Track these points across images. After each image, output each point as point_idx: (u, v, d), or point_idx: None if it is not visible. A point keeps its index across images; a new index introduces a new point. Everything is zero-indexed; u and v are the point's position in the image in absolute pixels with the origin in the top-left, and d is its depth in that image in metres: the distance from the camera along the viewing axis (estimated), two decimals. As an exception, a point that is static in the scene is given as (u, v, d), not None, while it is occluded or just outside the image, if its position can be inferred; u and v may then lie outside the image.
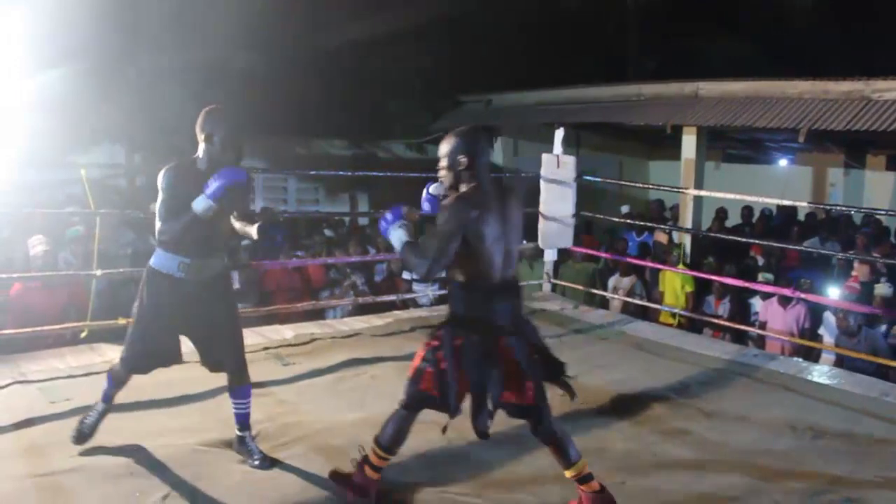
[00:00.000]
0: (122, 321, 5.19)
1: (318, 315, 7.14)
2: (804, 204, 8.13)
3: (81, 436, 3.61)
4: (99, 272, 5.17)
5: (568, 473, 3.15)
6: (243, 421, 3.63)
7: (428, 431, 3.96)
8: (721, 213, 10.15)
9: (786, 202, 6.75)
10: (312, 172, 12.35)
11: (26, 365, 4.79)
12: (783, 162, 13.35)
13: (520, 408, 3.07)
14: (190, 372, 3.89)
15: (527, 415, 3.10)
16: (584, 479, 3.13)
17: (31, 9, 7.81)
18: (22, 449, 3.64)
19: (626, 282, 8.17)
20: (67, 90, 9.24)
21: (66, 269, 6.54)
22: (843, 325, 6.23)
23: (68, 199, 9.56)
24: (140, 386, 4.41)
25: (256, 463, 3.52)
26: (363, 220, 11.22)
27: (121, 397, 4.06)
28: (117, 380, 3.61)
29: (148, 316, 3.44)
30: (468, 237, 2.91)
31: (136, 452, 3.60)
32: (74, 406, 4.13)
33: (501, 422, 4.09)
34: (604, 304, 8.14)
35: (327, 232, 9.75)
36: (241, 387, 3.60)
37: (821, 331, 6.69)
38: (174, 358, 3.56)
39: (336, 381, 4.78)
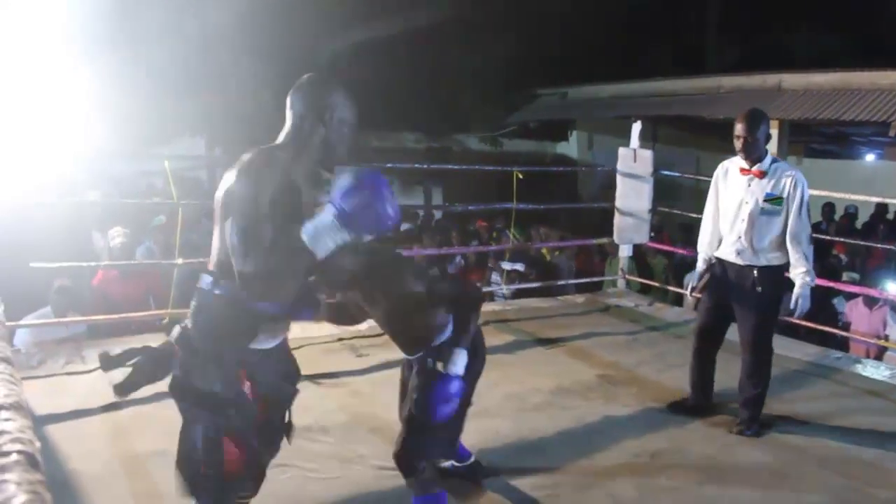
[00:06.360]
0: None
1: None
2: (894, 201, 7.81)
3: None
4: (181, 261, 5.30)
5: None
6: None
7: (499, 424, 3.97)
8: (801, 210, 9.78)
9: (874, 199, 6.49)
10: (388, 165, 12.48)
11: (112, 350, 4.94)
12: (870, 157, 12.86)
13: None
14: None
15: None
16: None
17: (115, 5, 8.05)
18: (108, 431, 3.77)
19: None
20: (149, 83, 9.53)
21: (147, 258, 6.73)
22: None
23: (149, 189, 9.87)
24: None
25: None
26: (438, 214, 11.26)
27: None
28: None
29: None
30: None
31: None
32: (155, 391, 4.24)
33: (572, 419, 4.08)
34: (676, 300, 7.97)
35: (403, 225, 9.79)
36: None
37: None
38: None
39: (409, 373, 4.80)
